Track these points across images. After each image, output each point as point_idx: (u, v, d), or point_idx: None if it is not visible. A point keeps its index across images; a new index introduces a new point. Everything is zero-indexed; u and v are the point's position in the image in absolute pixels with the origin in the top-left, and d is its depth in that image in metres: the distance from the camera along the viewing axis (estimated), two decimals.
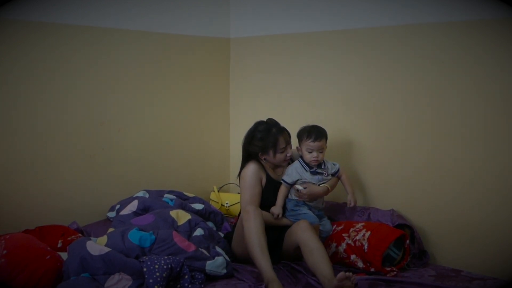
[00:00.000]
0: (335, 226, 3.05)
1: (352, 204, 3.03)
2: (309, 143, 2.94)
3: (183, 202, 3.24)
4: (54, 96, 3.06)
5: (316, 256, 2.63)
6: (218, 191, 3.78)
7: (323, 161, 3.02)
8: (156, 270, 2.38)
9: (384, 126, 3.19)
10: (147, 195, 3.28)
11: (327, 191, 2.99)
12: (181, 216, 2.94)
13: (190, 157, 3.77)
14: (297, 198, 2.96)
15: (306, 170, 2.98)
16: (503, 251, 2.77)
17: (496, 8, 2.68)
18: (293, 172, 2.97)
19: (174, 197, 3.28)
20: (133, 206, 3.09)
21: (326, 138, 3.01)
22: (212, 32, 3.81)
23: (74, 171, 3.18)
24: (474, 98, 2.83)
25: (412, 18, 2.99)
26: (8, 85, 2.89)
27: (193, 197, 3.41)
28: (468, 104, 2.85)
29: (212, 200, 3.74)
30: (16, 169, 2.95)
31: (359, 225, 2.93)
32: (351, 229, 2.92)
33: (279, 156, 2.97)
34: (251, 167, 2.99)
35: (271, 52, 3.70)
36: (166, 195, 3.29)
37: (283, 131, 2.99)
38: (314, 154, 2.94)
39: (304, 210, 2.97)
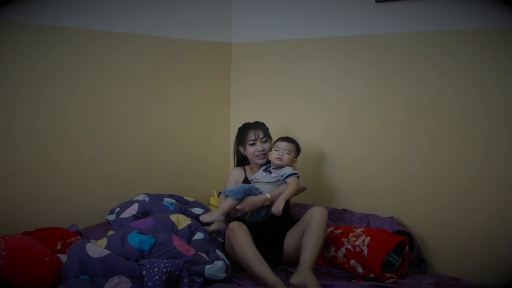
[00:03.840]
0: (333, 228, 3.05)
1: (271, 210, 2.87)
2: (279, 142, 3.07)
3: (183, 206, 3.24)
4: (55, 100, 3.06)
5: (311, 239, 2.75)
6: (218, 196, 3.78)
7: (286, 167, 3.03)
8: (155, 273, 2.38)
9: (384, 132, 3.19)
10: (147, 199, 3.27)
11: (265, 200, 2.90)
12: (181, 221, 2.94)
13: (190, 162, 3.77)
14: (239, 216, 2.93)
15: (262, 169, 3.06)
16: (503, 261, 2.77)
17: (500, 17, 2.70)
18: (257, 172, 3.09)
19: (174, 201, 3.28)
20: (133, 209, 3.09)
21: (297, 149, 3.09)
22: (213, 37, 3.82)
23: (75, 175, 3.17)
24: (476, 106, 2.83)
25: (415, 26, 2.99)
26: (8, 88, 2.88)
27: (193, 202, 3.41)
28: (469, 112, 2.86)
29: (211, 204, 3.74)
30: (16, 172, 2.94)
31: (358, 230, 2.94)
32: (351, 234, 2.92)
33: (249, 149, 3.14)
34: (231, 173, 3.27)
35: (272, 58, 3.71)
36: (166, 199, 3.29)
37: (257, 127, 3.18)
38: (280, 152, 3.02)
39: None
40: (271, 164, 3.07)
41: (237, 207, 2.89)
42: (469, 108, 2.86)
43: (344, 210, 3.30)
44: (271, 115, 3.46)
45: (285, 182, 2.96)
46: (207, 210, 3.33)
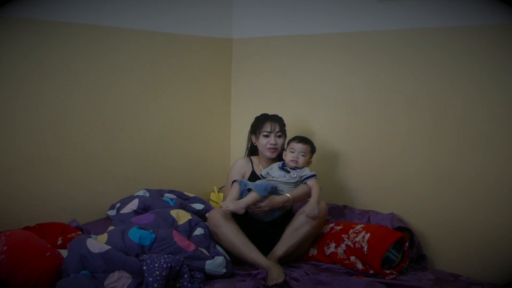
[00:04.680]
0: (333, 225, 3.05)
1: (306, 213, 2.81)
2: (294, 143, 3.01)
3: (183, 202, 3.24)
4: (56, 94, 3.05)
5: (290, 233, 2.82)
6: (218, 192, 3.79)
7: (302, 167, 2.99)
8: (156, 268, 2.38)
9: (385, 130, 3.19)
10: (147, 194, 3.27)
11: (287, 200, 2.89)
12: (182, 216, 2.94)
13: (191, 157, 3.77)
14: (256, 212, 2.90)
15: (278, 166, 3.00)
16: (502, 256, 2.77)
17: (500, 14, 2.69)
18: (271, 167, 3.04)
19: (175, 196, 3.28)
20: (133, 205, 3.09)
21: (312, 150, 3.05)
22: (214, 33, 3.82)
23: (75, 170, 3.17)
24: (476, 103, 2.84)
25: (416, 22, 2.99)
26: (10, 83, 2.87)
27: (193, 197, 3.41)
28: (469, 109, 2.86)
29: (212, 200, 3.74)
30: (17, 167, 2.94)
31: (358, 227, 2.94)
32: (351, 231, 2.93)
33: (261, 140, 3.09)
34: (237, 162, 3.21)
35: (273, 54, 3.71)
36: (166, 195, 3.29)
37: (275, 120, 3.12)
38: (295, 154, 2.96)
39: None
40: (285, 163, 3.02)
41: (258, 204, 2.85)
42: (469, 105, 2.86)
43: (345, 206, 3.31)
44: (271, 111, 3.44)
45: (305, 183, 2.93)
46: (207, 205, 3.33)
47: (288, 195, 2.89)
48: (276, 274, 2.59)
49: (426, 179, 3.04)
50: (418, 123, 3.05)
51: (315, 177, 2.94)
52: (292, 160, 2.96)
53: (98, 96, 3.24)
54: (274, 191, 2.89)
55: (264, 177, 3.03)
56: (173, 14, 3.55)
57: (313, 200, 2.84)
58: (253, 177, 3.11)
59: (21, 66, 2.90)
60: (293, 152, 2.98)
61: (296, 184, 2.95)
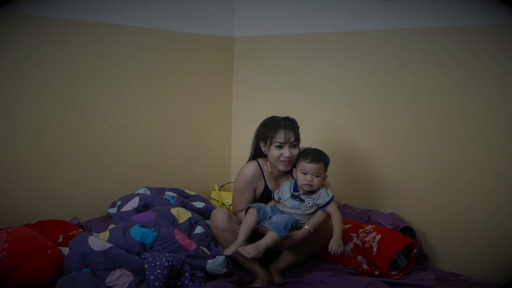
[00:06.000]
0: None
1: (332, 251, 2.54)
2: (304, 164, 2.65)
3: (184, 200, 3.24)
4: (57, 91, 3.05)
5: (301, 248, 2.73)
6: (219, 190, 3.79)
7: (319, 189, 2.68)
8: (157, 267, 2.38)
9: (386, 129, 3.19)
10: (148, 192, 3.27)
11: (307, 234, 2.63)
12: (182, 214, 2.94)
13: (191, 156, 3.77)
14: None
15: (290, 191, 2.70)
16: (502, 256, 2.78)
17: (500, 14, 2.69)
18: (282, 188, 2.75)
19: (175, 194, 3.28)
20: (134, 202, 3.09)
21: (326, 165, 2.70)
22: (216, 31, 3.82)
23: (76, 167, 3.17)
24: (477, 103, 2.84)
25: (417, 22, 2.99)
26: (12, 80, 2.88)
27: (194, 195, 3.41)
28: (470, 109, 2.86)
29: (213, 198, 3.75)
30: (18, 164, 2.94)
31: (368, 227, 2.93)
32: (360, 230, 2.92)
33: (273, 151, 2.72)
34: (249, 170, 2.82)
35: (274, 53, 3.71)
36: (167, 193, 3.29)
37: (288, 127, 2.75)
38: (308, 177, 2.63)
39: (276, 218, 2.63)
40: (297, 186, 2.69)
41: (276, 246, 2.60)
42: (469, 106, 2.86)
43: (346, 206, 3.31)
44: (272, 109, 3.44)
45: (324, 210, 2.65)
46: (208, 203, 3.32)
47: (307, 227, 2.63)
48: (260, 282, 2.65)
49: (427, 178, 3.04)
50: (418, 122, 3.05)
51: (333, 200, 2.66)
52: (306, 184, 2.64)
53: (99, 93, 3.24)
54: (295, 226, 2.61)
55: (276, 200, 2.78)
56: (175, 12, 3.55)
57: (336, 234, 2.55)
58: (265, 192, 2.84)
59: (23, 64, 2.90)
60: (305, 174, 2.64)
61: (314, 211, 2.68)
